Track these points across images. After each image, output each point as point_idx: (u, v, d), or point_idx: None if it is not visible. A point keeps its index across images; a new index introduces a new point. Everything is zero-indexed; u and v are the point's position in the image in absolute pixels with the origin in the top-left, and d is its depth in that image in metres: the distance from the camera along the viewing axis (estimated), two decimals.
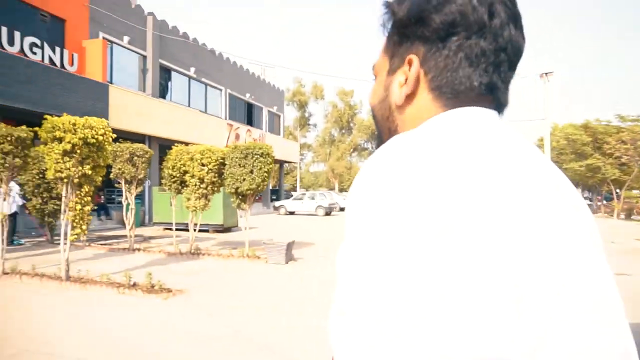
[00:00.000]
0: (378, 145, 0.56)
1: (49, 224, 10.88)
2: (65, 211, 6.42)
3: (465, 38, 0.54)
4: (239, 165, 8.86)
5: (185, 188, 9.38)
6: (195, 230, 9.52)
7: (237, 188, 8.84)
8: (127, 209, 9.91)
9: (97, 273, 6.94)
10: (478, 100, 0.55)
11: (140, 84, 17.22)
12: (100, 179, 6.67)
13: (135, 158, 9.64)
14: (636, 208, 29.98)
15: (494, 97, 0.56)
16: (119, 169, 9.50)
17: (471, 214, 0.44)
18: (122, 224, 16.51)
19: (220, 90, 22.90)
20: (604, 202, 37.01)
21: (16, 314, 5.01)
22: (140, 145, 9.86)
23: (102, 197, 15.91)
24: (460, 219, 0.44)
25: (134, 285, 6.29)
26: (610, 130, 28.67)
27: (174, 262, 8.66)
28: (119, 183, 9.91)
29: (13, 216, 9.52)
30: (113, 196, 17.70)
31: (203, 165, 9.01)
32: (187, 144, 9.59)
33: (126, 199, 9.94)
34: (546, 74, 21.78)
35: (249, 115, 26.48)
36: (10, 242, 9.22)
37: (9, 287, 6.25)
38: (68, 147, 5.96)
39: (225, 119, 22.91)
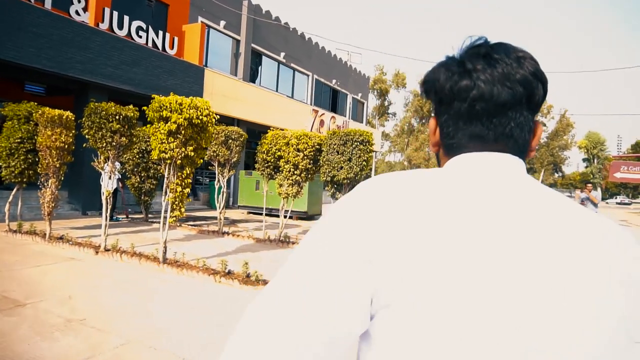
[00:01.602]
0: None
1: (145, 202, 11.21)
2: (166, 192, 6.30)
3: (455, 102, 0.66)
4: (337, 152, 8.35)
5: (278, 174, 9.08)
6: (285, 217, 9.21)
7: (334, 176, 8.35)
8: (219, 192, 9.85)
9: (191, 256, 6.81)
10: (491, 147, 0.65)
11: (232, 68, 17.38)
12: (202, 161, 6.47)
13: (230, 141, 9.51)
14: None
15: (505, 143, 0.65)
16: (214, 151, 9.42)
17: (400, 239, 0.56)
18: (208, 205, 16.97)
19: (308, 75, 22.65)
20: None
21: (120, 297, 4.90)
22: (236, 128, 9.71)
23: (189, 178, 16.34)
24: (379, 249, 0.56)
25: (229, 273, 6.03)
26: None
27: (264, 249, 8.41)
28: (212, 165, 9.86)
29: (114, 193, 9.88)
30: (198, 177, 18.22)
31: (299, 150, 8.62)
32: (272, 128, 9.25)
33: (218, 181, 9.87)
34: None
35: (333, 101, 26.05)
36: (111, 217, 9.56)
37: (111, 266, 6.28)
38: (173, 127, 5.78)
39: (311, 104, 22.65)
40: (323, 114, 22.94)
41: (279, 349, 0.54)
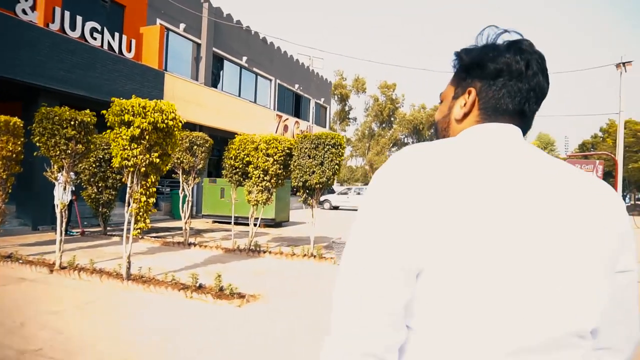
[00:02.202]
0: None
1: (103, 214, 10.52)
2: (129, 203, 5.83)
3: (508, 80, 0.81)
4: (309, 156, 8.10)
5: (247, 180, 8.72)
6: (255, 225, 8.86)
7: (306, 181, 8.09)
8: (184, 201, 9.37)
9: (157, 270, 6.36)
10: (510, 120, 0.82)
11: (193, 73, 16.81)
12: (167, 168, 6.06)
13: (195, 147, 9.07)
14: None
15: (521, 119, 0.83)
16: (177, 158, 8.95)
17: (433, 208, 0.67)
18: (171, 215, 16.28)
19: (270, 80, 22.31)
20: None
21: (82, 321, 4.42)
22: (201, 134, 9.28)
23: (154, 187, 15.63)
24: (424, 211, 0.67)
25: (201, 287, 5.65)
26: None
27: (234, 259, 8.02)
28: (176, 173, 9.37)
29: (69, 205, 9.18)
30: (159, 187, 17.48)
31: (268, 155, 8.31)
32: (236, 134, 8.89)
33: (182, 190, 9.39)
34: (623, 64, 19.91)
35: (296, 106, 25.83)
36: (66, 232, 8.87)
37: (68, 286, 5.74)
38: (137, 132, 5.35)
39: (274, 109, 22.33)
40: (287, 118, 22.67)
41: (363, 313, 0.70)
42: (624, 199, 39.51)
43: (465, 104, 0.85)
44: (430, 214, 0.67)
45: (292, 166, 8.37)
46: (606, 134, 43.72)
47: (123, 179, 6.19)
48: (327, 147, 8.00)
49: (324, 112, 29.87)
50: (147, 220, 6.05)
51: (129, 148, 5.47)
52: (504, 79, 0.81)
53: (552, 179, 0.73)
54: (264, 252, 8.64)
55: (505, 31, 0.84)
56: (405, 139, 72.31)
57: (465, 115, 0.85)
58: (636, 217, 21.24)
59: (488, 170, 0.71)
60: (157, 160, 5.66)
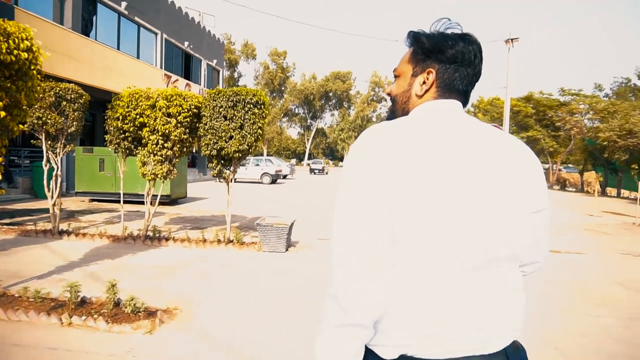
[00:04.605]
0: (389, 119, 1.08)
1: None
2: None
3: (460, 65, 1.02)
4: (224, 117, 6.40)
5: (140, 148, 6.73)
6: (152, 204, 6.96)
7: (221, 149, 6.41)
8: (50, 175, 7.04)
9: (11, 279, 4.39)
10: (457, 97, 1.04)
11: (56, 14, 13.37)
12: (21, 127, 3.99)
13: (65, 104, 6.73)
14: (569, 179, 31.34)
15: (464, 97, 1.05)
16: (39, 117, 6.56)
17: (402, 168, 0.87)
18: (32, 193, 13.09)
19: (156, 34, 19.23)
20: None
21: None
22: (72, 85, 6.91)
23: (1, 156, 12.33)
24: (396, 170, 0.87)
25: (85, 304, 3.85)
26: (552, 103, 29.16)
27: (127, 251, 6.13)
28: (38, 139, 6.95)
29: None
30: (13, 157, 14.01)
31: (169, 116, 6.42)
32: (115, 94, 6.78)
33: (48, 161, 7.03)
34: (512, 39, 20.98)
35: (186, 67, 22.97)
36: None
37: None
38: None
39: (162, 68, 19.42)
40: (177, 79, 19.96)
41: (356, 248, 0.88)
42: None
43: (425, 83, 1.04)
44: (400, 174, 0.87)
45: (201, 130, 6.60)
46: (477, 109, 47.74)
47: None
48: (248, 105, 6.39)
49: (216, 75, 27.28)
50: None
51: None
52: (457, 64, 1.02)
53: (485, 141, 0.96)
54: (166, 239, 6.84)
55: (457, 24, 1.05)
56: (296, 109, 71.41)
57: (426, 92, 1.04)
58: None
59: (442, 137, 0.92)
60: (3, 113, 3.60)
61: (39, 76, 3.96)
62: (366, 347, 0.93)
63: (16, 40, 3.58)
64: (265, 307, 4.09)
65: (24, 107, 3.91)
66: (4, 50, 3.46)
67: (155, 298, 4.08)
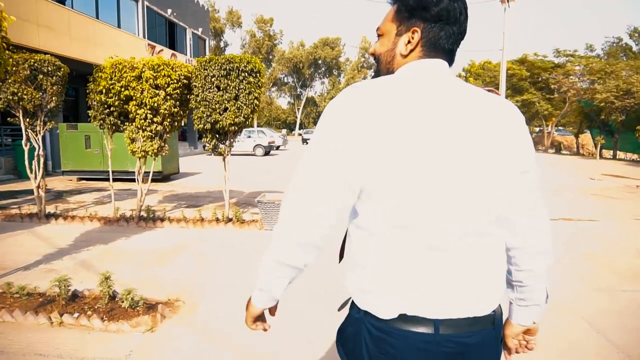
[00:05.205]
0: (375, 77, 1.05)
1: None
2: None
3: (445, 24, 0.97)
4: (218, 87, 5.90)
5: (127, 123, 6.24)
6: (144, 181, 6.52)
7: (215, 122, 5.94)
8: (32, 155, 6.55)
9: None
10: (443, 57, 1.00)
11: None
12: None
13: (42, 77, 6.16)
14: (563, 142, 31.21)
15: (450, 56, 1.02)
16: (14, 93, 6.00)
17: (378, 125, 0.87)
18: (16, 174, 12.53)
19: (136, 1, 18.22)
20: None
21: None
22: (48, 56, 6.31)
23: None
24: (370, 128, 0.87)
25: (76, 299, 3.49)
26: (546, 65, 28.61)
27: (121, 234, 5.75)
28: (15, 116, 6.41)
29: None
30: None
31: (158, 87, 5.90)
32: (96, 66, 6.18)
33: (28, 139, 6.51)
34: None
35: (170, 36, 21.99)
36: None
37: None
38: None
39: (144, 38, 18.50)
40: (161, 50, 19.08)
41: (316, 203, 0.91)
42: None
43: (410, 42, 1.00)
44: (375, 131, 0.87)
45: (192, 102, 6.10)
46: (468, 73, 46.96)
47: None
48: (243, 74, 5.88)
49: (202, 44, 26.27)
50: None
51: None
52: (443, 22, 0.97)
53: (468, 102, 0.94)
54: (161, 219, 6.45)
55: None
56: (286, 78, 69.81)
57: (411, 51, 1.00)
58: None
59: (424, 98, 0.91)
60: None
61: (4, 45, 3.44)
62: (363, 310, 0.98)
63: None
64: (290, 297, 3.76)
65: None
66: None
67: (153, 288, 3.73)
